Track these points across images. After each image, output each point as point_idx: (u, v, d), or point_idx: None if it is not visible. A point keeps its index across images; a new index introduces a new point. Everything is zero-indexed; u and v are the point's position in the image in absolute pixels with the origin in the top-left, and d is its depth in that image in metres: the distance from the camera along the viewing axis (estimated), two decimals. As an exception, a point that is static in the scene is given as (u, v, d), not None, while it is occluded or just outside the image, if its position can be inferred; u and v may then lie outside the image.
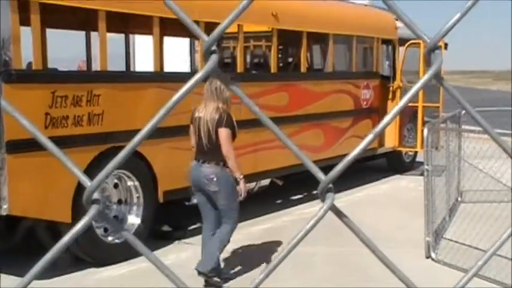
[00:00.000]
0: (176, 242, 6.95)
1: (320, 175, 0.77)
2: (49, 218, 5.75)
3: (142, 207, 6.60)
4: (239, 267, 6.05)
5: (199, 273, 5.40)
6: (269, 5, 8.13)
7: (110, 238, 6.25)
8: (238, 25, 7.79)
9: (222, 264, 5.78)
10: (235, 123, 5.42)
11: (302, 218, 7.68)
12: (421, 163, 7.82)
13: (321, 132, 9.50)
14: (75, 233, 0.72)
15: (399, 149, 11.40)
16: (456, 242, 6.31)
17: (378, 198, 9.55)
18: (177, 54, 10.57)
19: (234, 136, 5.43)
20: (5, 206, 5.30)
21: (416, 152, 11.68)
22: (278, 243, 6.81)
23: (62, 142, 5.44)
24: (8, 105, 0.73)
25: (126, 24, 8.32)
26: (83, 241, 5.77)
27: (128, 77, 7.27)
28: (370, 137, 0.76)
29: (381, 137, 10.79)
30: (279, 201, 8.99)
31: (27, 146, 5.09)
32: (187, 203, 7.21)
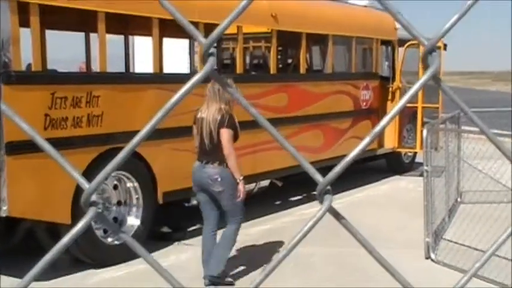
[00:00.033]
0: (176, 243, 6.95)
1: (318, 177, 0.77)
2: (48, 220, 5.75)
3: (141, 208, 6.60)
4: (239, 268, 6.05)
5: (210, 279, 5.40)
6: (268, 6, 8.13)
7: (109, 239, 6.25)
8: (238, 26, 7.80)
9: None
10: (237, 124, 5.44)
11: (302, 219, 7.68)
12: (421, 164, 7.82)
13: (321, 133, 9.51)
14: (74, 234, 0.73)
15: (399, 149, 11.41)
16: (456, 242, 6.31)
17: (378, 199, 9.56)
18: (177, 55, 10.57)
19: (236, 137, 5.46)
20: (4, 208, 5.30)
21: (415, 153, 11.69)
22: (278, 244, 6.81)
23: (61, 143, 5.45)
24: (8, 110, 0.73)
25: (126, 25, 8.32)
26: (82, 242, 5.77)
27: (128, 78, 7.27)
28: (367, 139, 0.76)
29: (380, 137, 10.80)
30: (278, 202, 8.99)
31: (26, 147, 5.08)
32: (186, 204, 7.21)
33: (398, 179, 11.26)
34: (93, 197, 0.73)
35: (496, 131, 9.28)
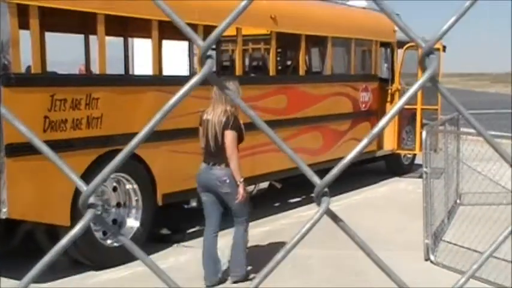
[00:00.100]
0: (175, 245, 6.95)
1: (315, 179, 0.77)
2: (48, 222, 5.75)
3: (141, 210, 6.59)
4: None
5: (235, 282, 5.62)
6: (268, 8, 8.14)
7: (108, 241, 6.24)
8: (237, 28, 7.80)
9: (224, 267, 5.77)
10: (242, 126, 5.48)
11: (300, 221, 7.66)
12: (420, 165, 7.82)
13: (320, 135, 9.51)
14: (72, 236, 0.73)
15: (398, 151, 11.41)
16: (455, 244, 6.31)
17: (377, 200, 9.55)
18: (176, 57, 10.57)
19: (241, 139, 5.53)
20: (4, 210, 5.30)
21: (415, 155, 11.69)
22: (277, 246, 6.80)
23: (60, 145, 5.45)
24: (8, 113, 0.73)
25: (125, 27, 8.32)
26: (81, 244, 5.76)
27: (127, 80, 7.27)
28: (365, 141, 0.76)
29: (379, 139, 10.80)
30: (277, 204, 8.99)
31: (26, 149, 5.09)
32: (186, 206, 7.21)
33: (398, 180, 11.25)
34: (91, 199, 0.73)
35: (495, 132, 9.28)
